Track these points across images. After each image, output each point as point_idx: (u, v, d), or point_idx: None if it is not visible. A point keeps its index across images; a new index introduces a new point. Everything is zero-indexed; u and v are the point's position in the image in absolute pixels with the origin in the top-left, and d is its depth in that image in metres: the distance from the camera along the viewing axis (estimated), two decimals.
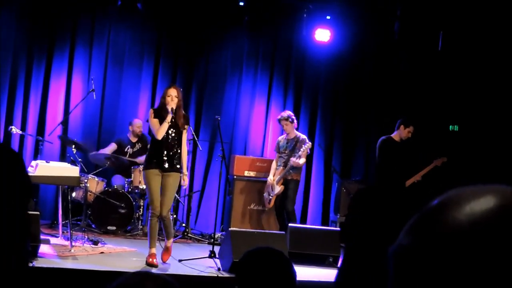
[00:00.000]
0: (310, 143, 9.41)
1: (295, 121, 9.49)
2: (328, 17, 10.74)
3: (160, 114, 7.34)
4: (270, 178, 9.58)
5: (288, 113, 9.55)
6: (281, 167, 9.47)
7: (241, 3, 10.52)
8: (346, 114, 11.25)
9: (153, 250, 7.31)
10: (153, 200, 7.29)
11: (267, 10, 10.79)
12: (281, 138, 9.68)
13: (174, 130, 7.36)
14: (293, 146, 9.41)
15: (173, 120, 7.33)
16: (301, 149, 9.26)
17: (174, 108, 7.29)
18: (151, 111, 7.47)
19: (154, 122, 7.35)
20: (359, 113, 11.23)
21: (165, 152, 7.28)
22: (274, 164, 9.67)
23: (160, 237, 7.82)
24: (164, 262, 7.41)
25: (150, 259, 7.25)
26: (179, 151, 7.41)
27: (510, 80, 10.45)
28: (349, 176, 11.08)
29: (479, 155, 10.39)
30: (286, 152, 9.46)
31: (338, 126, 11.29)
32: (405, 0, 10.53)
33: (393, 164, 9.14)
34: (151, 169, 7.33)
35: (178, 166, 7.36)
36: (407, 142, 9.31)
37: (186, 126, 7.48)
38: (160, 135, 7.27)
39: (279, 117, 9.59)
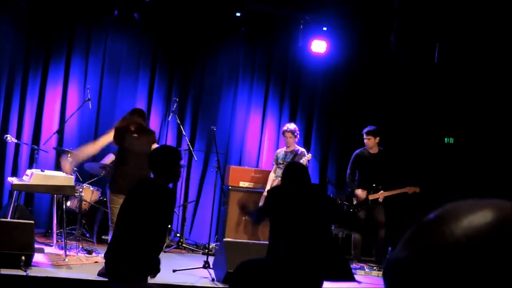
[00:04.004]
0: (310, 154, 9.42)
1: (298, 136, 9.55)
2: (324, 29, 10.76)
3: (120, 134, 7.30)
4: (267, 188, 9.57)
5: (294, 126, 9.58)
6: (279, 178, 9.46)
7: (238, 14, 10.54)
8: (342, 125, 11.24)
9: None
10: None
11: (264, 21, 10.81)
12: (280, 150, 9.71)
13: (143, 149, 7.03)
14: (292, 158, 9.44)
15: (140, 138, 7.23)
16: (301, 161, 9.26)
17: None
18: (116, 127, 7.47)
19: (110, 135, 7.41)
20: (355, 124, 11.22)
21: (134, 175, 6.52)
22: (271, 175, 9.67)
23: None
24: None
25: None
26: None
27: (506, 93, 10.47)
28: (344, 187, 11.07)
29: (475, 167, 10.39)
30: (284, 163, 9.46)
31: (334, 137, 11.28)
32: (401, 12, 10.55)
33: (360, 176, 9.40)
34: (116, 193, 6.97)
35: None
36: (381, 155, 9.35)
37: (154, 144, 7.26)
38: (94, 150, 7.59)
39: (285, 128, 9.58)
